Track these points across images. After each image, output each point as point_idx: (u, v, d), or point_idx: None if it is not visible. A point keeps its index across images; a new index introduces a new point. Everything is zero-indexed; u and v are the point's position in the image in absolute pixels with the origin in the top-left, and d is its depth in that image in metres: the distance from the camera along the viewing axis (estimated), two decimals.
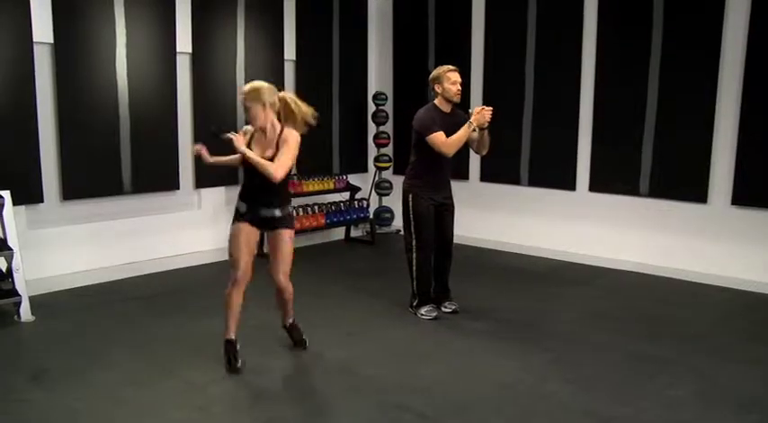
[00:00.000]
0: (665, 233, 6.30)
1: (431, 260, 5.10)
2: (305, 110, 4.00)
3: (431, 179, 4.98)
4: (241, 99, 3.93)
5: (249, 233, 4.03)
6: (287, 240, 4.05)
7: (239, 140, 3.88)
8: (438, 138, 4.78)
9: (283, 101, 3.97)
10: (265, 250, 4.15)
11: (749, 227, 5.84)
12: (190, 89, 6.50)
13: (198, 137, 6.56)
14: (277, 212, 4.01)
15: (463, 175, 7.63)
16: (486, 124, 4.74)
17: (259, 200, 4.00)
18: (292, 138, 3.91)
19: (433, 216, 5.01)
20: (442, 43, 7.69)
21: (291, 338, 4.40)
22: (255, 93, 3.87)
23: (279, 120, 3.97)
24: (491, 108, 4.72)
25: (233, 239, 4.01)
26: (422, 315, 5.03)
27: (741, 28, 5.72)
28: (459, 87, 4.85)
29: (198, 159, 6.55)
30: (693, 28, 5.95)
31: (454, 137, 4.76)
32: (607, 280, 6.19)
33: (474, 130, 4.75)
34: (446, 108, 4.91)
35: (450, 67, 4.89)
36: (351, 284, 5.93)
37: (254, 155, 3.87)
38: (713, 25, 5.83)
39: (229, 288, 4.00)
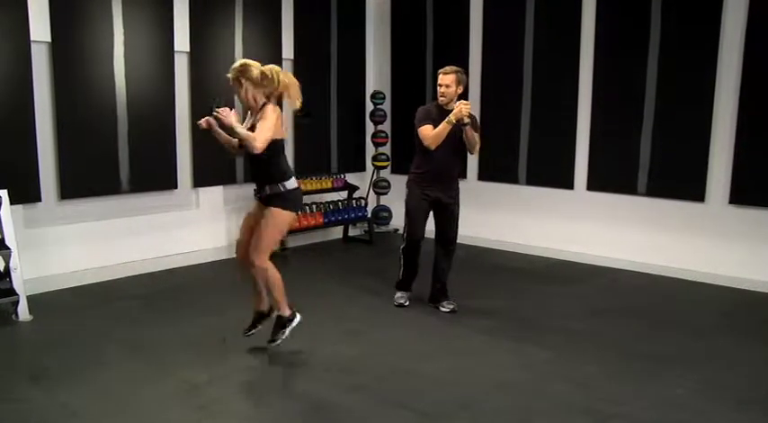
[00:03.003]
0: (663, 232, 6.30)
1: (417, 253, 5.22)
2: (286, 81, 4.00)
3: (425, 173, 5.06)
4: (231, 79, 3.99)
5: (256, 213, 4.12)
6: (268, 217, 4.00)
7: (229, 115, 3.81)
8: (423, 130, 4.93)
9: (263, 74, 3.97)
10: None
11: (747, 225, 5.84)
12: (188, 88, 6.48)
13: (196, 136, 6.56)
14: (267, 190, 4.04)
15: (461, 174, 7.61)
16: (466, 120, 4.80)
17: (258, 179, 4.10)
18: (269, 109, 3.92)
19: (424, 211, 5.10)
20: (440, 42, 7.68)
21: (255, 325, 4.32)
22: (236, 71, 3.97)
23: (267, 97, 4.02)
24: (468, 102, 4.81)
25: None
26: (394, 300, 5.23)
27: (739, 26, 5.72)
28: (444, 90, 4.94)
29: (196, 154, 6.56)
30: (691, 26, 5.96)
31: (434, 130, 4.87)
32: (605, 279, 6.20)
33: (456, 124, 4.82)
34: (447, 106, 4.97)
35: (446, 68, 4.99)
36: (349, 283, 5.92)
37: (240, 127, 3.85)
38: (711, 23, 5.83)
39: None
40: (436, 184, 5.05)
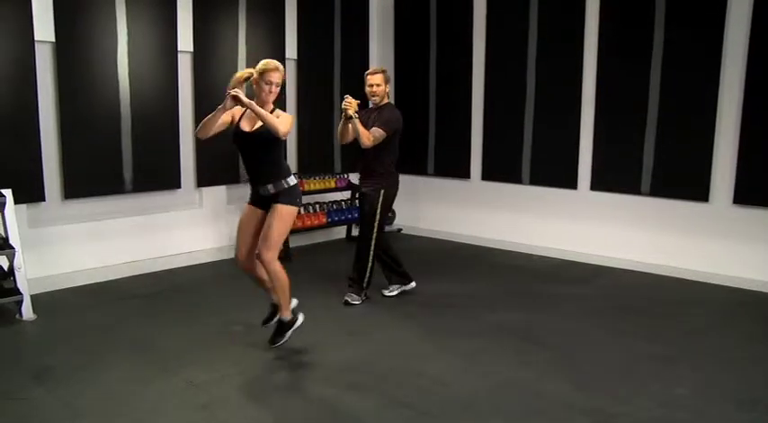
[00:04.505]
0: (667, 232, 6.29)
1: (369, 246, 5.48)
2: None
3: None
4: (271, 74, 4.00)
5: (251, 215, 4.13)
6: (276, 213, 4.05)
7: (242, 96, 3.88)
8: None
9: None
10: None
11: (750, 226, 5.83)
12: (191, 88, 6.50)
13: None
14: (271, 188, 4.07)
15: (464, 174, 7.64)
16: (350, 113, 5.02)
17: (262, 178, 4.09)
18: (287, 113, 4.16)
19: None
20: (444, 41, 7.68)
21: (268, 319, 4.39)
22: (280, 72, 4.07)
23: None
24: (347, 97, 5.04)
25: (239, 223, 4.17)
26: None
27: (743, 24, 5.70)
28: (374, 89, 5.25)
29: (200, 154, 6.56)
30: (695, 25, 5.94)
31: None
32: (608, 279, 6.19)
33: (348, 118, 5.09)
34: (377, 105, 5.33)
35: (372, 69, 5.39)
36: None
37: (260, 109, 3.92)
38: (715, 23, 5.82)
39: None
40: (363, 178, 5.44)
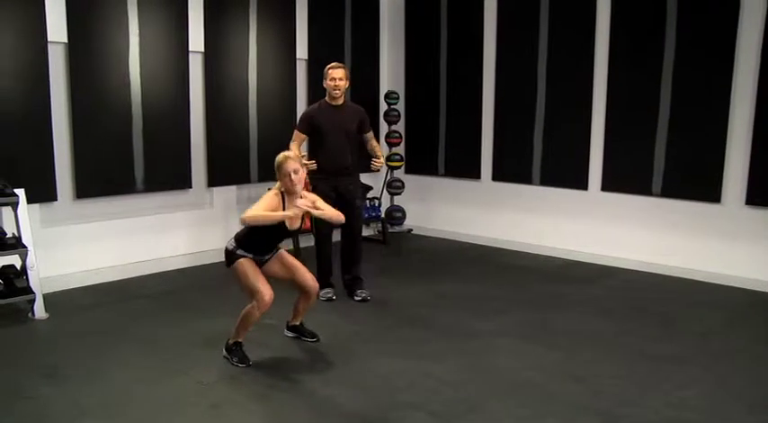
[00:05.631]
0: (678, 233, 6.26)
1: (326, 245, 5.51)
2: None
3: (324, 165, 5.25)
4: (289, 164, 4.03)
5: (255, 265, 4.17)
6: (285, 253, 4.33)
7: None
8: (294, 136, 5.34)
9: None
10: None
11: (763, 227, 5.78)
12: (202, 88, 6.53)
13: (209, 135, 6.60)
14: (276, 248, 4.31)
15: (475, 174, 7.63)
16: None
17: (270, 248, 4.25)
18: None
19: (332, 202, 5.16)
20: (455, 42, 7.67)
21: (304, 333, 4.53)
22: (294, 158, 4.14)
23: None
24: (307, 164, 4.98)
25: (246, 272, 4.09)
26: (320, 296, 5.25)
27: (756, 24, 5.66)
28: (337, 83, 5.19)
29: (211, 154, 6.58)
30: (707, 26, 5.91)
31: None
32: (618, 279, 6.16)
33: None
34: (335, 102, 5.29)
35: (334, 64, 5.28)
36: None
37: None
38: (727, 23, 5.78)
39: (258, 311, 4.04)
40: (337, 176, 5.29)
